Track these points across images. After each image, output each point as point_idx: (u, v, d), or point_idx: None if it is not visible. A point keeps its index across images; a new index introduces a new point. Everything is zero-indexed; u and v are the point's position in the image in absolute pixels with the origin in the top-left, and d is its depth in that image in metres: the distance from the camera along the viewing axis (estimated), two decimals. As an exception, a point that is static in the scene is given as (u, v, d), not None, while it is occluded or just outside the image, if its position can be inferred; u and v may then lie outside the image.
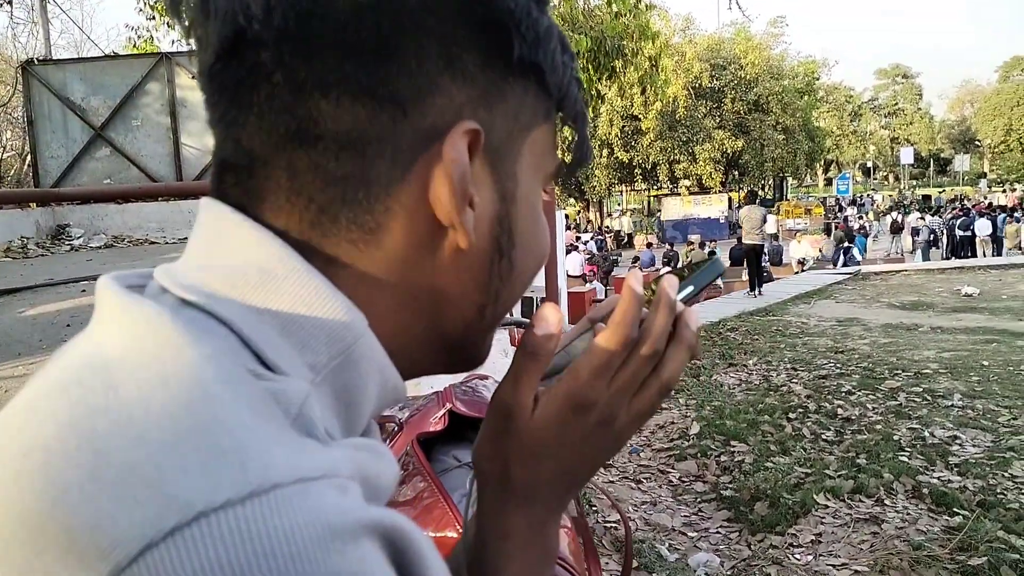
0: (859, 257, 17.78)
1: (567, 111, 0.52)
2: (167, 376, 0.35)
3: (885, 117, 68.39)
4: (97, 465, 0.31)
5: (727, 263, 16.19)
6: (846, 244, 17.67)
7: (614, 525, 3.51)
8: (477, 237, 0.46)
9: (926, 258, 18.33)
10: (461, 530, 0.71)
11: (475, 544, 0.55)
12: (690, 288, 0.57)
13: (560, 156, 0.55)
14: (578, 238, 21.98)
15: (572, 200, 36.20)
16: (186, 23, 0.45)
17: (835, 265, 17.15)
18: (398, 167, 0.44)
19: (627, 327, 0.50)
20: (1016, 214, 19.58)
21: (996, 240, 18.81)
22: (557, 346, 0.50)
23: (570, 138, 0.55)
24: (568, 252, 16.17)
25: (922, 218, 21.28)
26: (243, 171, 0.44)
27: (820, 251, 18.92)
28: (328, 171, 0.43)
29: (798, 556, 3.18)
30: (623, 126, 31.25)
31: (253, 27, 0.41)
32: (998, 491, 3.68)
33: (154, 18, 10.05)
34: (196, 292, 0.41)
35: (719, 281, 14.01)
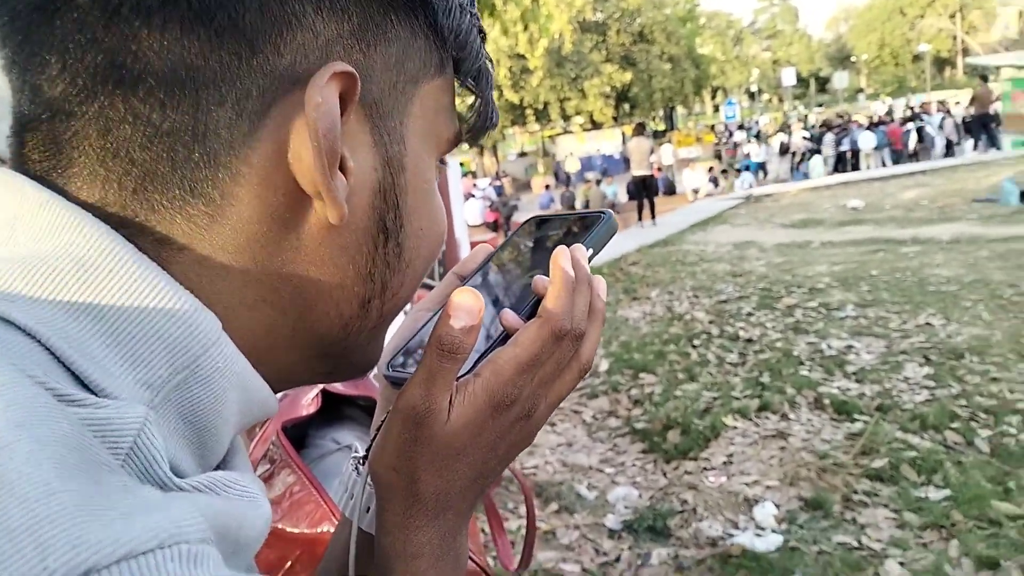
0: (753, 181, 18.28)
1: (466, 65, 0.44)
2: None
3: (766, 40, 69.92)
4: None
5: (624, 198, 16.38)
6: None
7: (532, 471, 3.51)
8: (353, 212, 0.38)
9: (810, 176, 18.95)
10: (338, 522, 0.64)
11: (379, 564, 0.48)
12: (591, 252, 0.52)
13: (458, 121, 0.46)
14: (474, 185, 21.80)
15: (465, 146, 35.83)
16: None
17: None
18: (244, 119, 0.34)
19: (560, 318, 0.45)
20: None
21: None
22: (476, 341, 0.43)
23: (471, 101, 0.47)
24: (466, 200, 16.06)
25: (807, 138, 21.90)
26: (45, 129, 0.34)
27: (713, 177, 19.30)
28: (152, 123, 0.33)
29: (712, 479, 3.25)
30: (510, 66, 30.93)
31: None
32: (893, 394, 3.84)
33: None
34: None
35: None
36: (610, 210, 0.55)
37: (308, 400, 1.04)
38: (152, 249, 0.34)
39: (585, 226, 0.54)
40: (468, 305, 0.42)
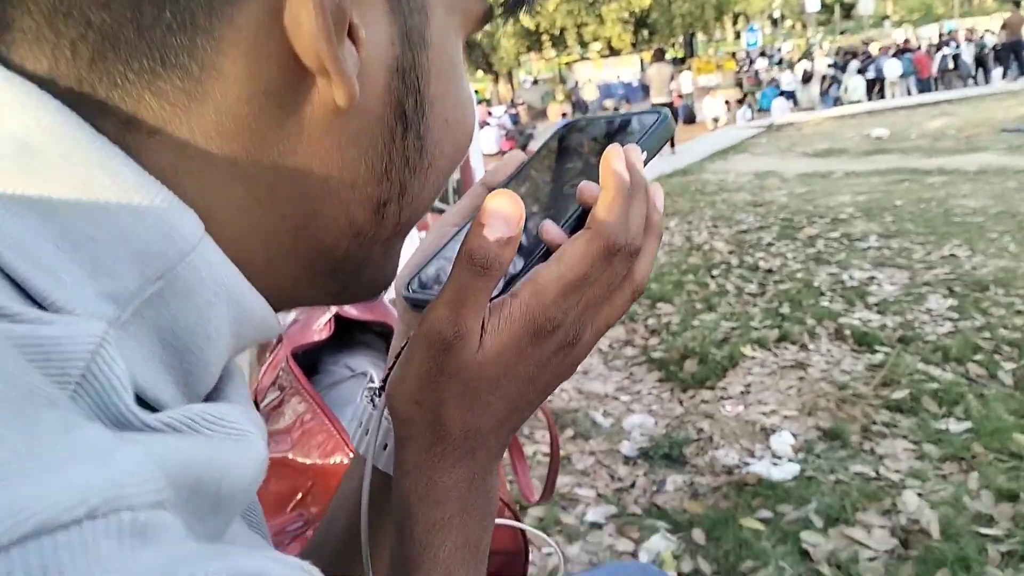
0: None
1: None
2: None
3: (790, -36, 67.83)
4: None
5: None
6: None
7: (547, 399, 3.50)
8: (365, 93, 0.30)
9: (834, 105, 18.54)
10: (352, 454, 0.59)
11: (398, 509, 0.42)
12: (645, 156, 0.44)
13: None
14: (489, 113, 21.48)
15: (480, 73, 35.27)
16: None
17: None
18: None
19: (613, 231, 0.39)
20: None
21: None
22: (512, 252, 0.37)
23: None
24: (481, 128, 15.86)
25: (832, 65, 21.35)
26: None
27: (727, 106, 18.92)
28: None
29: (728, 408, 3.23)
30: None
31: None
32: (915, 326, 3.79)
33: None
34: None
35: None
36: (666, 108, 0.47)
37: (320, 325, 0.99)
38: (115, 132, 0.27)
39: (636, 127, 0.46)
40: (506, 211, 0.36)
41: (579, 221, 0.41)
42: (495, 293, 0.40)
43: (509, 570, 0.87)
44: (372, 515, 0.47)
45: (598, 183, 0.40)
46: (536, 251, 0.42)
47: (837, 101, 19.03)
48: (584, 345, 0.42)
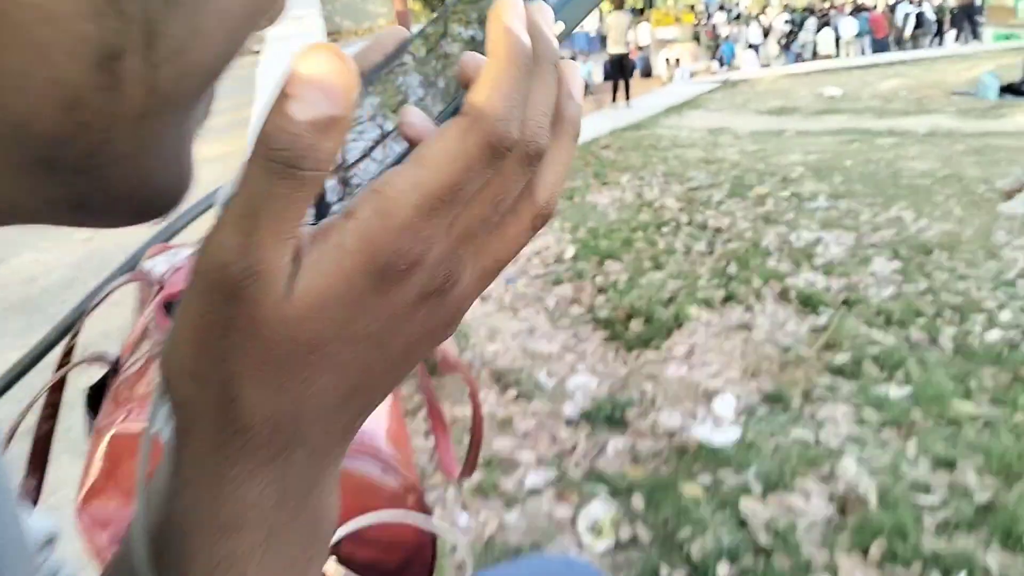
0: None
1: None
2: None
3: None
4: None
5: (599, 78, 15.92)
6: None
7: (491, 357, 3.44)
8: None
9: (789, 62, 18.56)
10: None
11: (173, 535, 0.29)
12: (560, 27, 0.31)
13: None
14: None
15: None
16: None
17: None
18: None
19: (501, 117, 0.26)
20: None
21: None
22: (339, 151, 0.24)
23: None
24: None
25: (789, 21, 21.32)
26: None
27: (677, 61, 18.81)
28: None
29: (672, 369, 3.20)
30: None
31: None
32: (860, 288, 3.79)
33: None
34: None
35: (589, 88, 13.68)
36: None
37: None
38: None
39: None
40: (327, 76, 0.23)
41: (457, 113, 0.27)
42: (327, 209, 0.28)
43: (412, 566, 0.79)
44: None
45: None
46: (396, 156, 0.28)
47: (798, 57, 19.04)
48: (463, 292, 0.28)
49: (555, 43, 0.28)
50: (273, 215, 0.24)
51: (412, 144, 0.27)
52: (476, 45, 0.30)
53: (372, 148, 0.29)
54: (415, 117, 0.27)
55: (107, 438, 0.77)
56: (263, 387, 0.26)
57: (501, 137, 0.25)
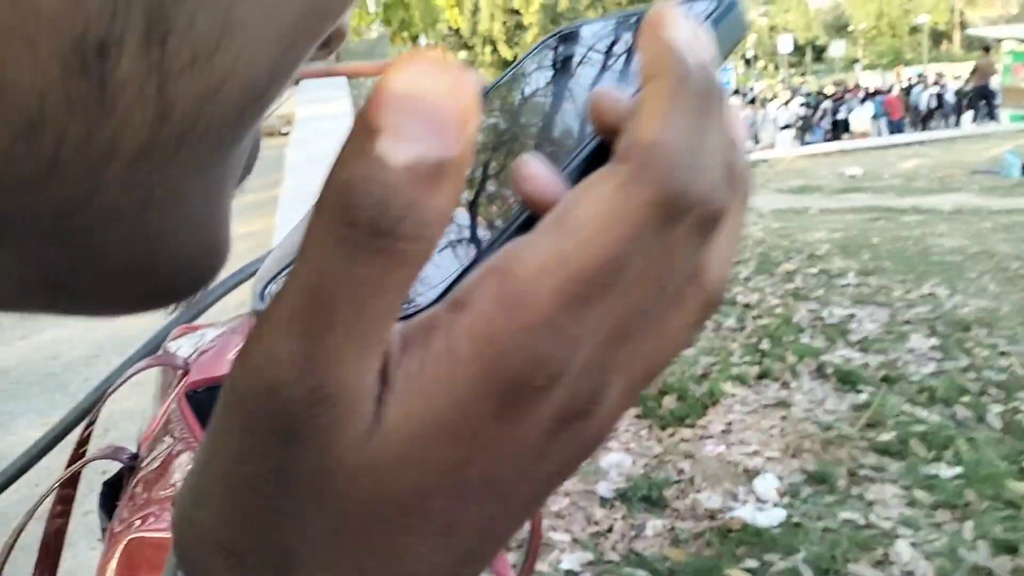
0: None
1: None
2: None
3: (763, 5, 69.27)
4: None
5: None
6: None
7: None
8: None
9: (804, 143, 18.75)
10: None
11: None
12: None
13: None
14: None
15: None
16: None
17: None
18: None
19: (676, 164, 0.18)
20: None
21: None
22: (451, 200, 0.16)
23: None
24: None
25: (804, 104, 21.63)
26: None
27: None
28: None
29: (710, 447, 3.09)
30: (504, 21, 30.54)
31: None
32: (899, 365, 3.69)
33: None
34: None
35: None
36: None
37: (237, 354, 0.80)
38: None
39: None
40: (431, 97, 0.15)
41: (592, 163, 0.20)
42: (424, 297, 0.19)
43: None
44: None
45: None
46: (508, 225, 0.20)
47: (828, 134, 19.24)
48: (610, 414, 0.20)
49: (719, 73, 0.20)
50: (354, 310, 0.15)
51: (534, 205, 0.20)
52: (602, 82, 0.24)
53: (481, 205, 0.22)
54: (538, 168, 0.19)
55: (123, 544, 0.70)
56: (336, 571, 0.18)
57: (679, 193, 0.18)
